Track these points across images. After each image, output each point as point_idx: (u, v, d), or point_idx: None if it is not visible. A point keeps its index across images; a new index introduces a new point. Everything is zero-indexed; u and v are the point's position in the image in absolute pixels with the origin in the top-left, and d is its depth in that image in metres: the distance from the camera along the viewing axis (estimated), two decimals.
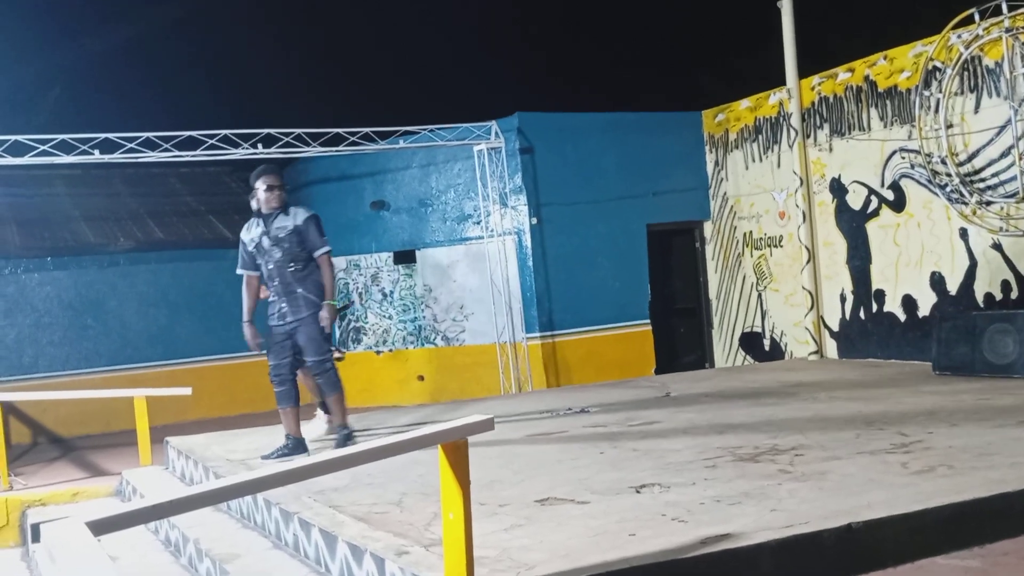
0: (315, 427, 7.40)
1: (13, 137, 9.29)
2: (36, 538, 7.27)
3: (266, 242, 6.56)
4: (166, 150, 9.82)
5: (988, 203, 8.57)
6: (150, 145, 9.76)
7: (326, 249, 6.58)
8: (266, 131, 10.15)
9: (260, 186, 6.56)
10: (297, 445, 6.58)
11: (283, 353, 6.60)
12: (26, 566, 7.31)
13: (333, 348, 6.96)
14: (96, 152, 9.54)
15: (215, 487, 3.23)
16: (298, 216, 6.57)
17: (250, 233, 6.67)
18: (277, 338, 6.62)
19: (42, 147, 9.38)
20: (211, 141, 9.98)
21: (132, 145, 9.66)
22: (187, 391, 8.68)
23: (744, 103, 11.33)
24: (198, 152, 10.02)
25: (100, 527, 2.76)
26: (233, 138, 10.09)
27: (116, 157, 9.68)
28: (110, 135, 9.57)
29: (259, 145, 10.16)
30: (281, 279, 6.55)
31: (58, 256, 12.08)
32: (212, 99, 19.26)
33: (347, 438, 6.71)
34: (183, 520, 5.49)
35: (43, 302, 11.87)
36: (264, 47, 20.54)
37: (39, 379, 11.56)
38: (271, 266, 6.58)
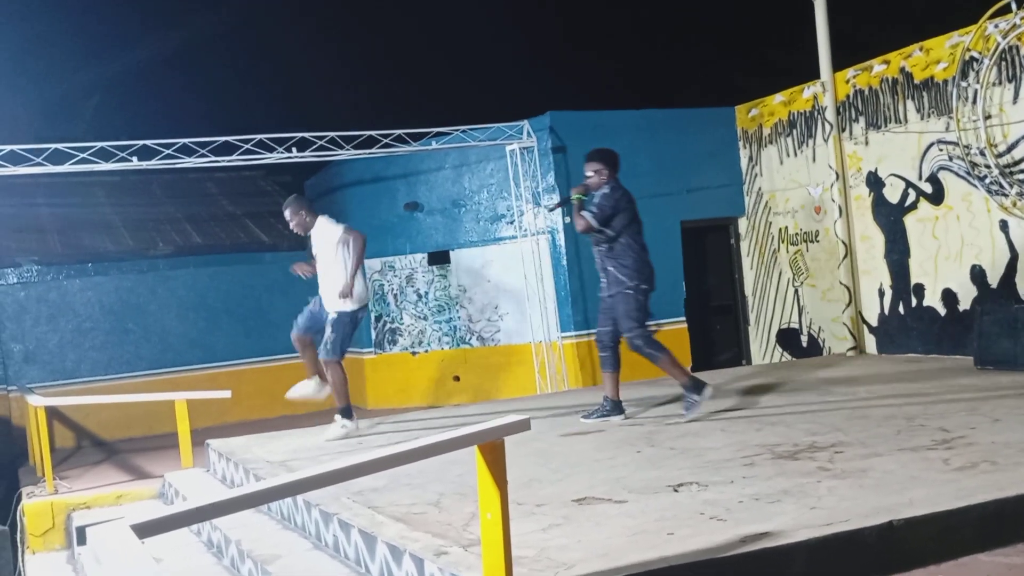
0: (331, 431, 7.47)
1: (53, 146, 9.44)
2: (82, 541, 7.39)
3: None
4: (203, 155, 9.93)
5: None
6: (187, 151, 9.87)
7: (585, 215, 6.81)
8: (300, 135, 10.24)
9: (585, 170, 7.06)
10: (614, 407, 7.00)
11: (604, 322, 7.00)
12: (72, 569, 7.44)
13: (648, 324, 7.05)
14: (135, 159, 9.67)
15: (256, 489, 3.27)
16: (599, 193, 6.91)
17: None
18: (602, 308, 7.05)
19: (82, 155, 9.53)
20: (246, 146, 10.09)
21: (169, 151, 9.78)
22: (227, 394, 8.79)
23: (778, 97, 11.24)
24: (234, 157, 10.12)
25: (144, 530, 2.80)
26: (268, 142, 10.18)
27: (154, 163, 9.81)
28: (148, 142, 9.69)
29: (294, 149, 10.25)
30: (598, 256, 7.00)
31: (99, 262, 12.27)
32: (248, 105, 19.45)
33: (692, 401, 6.77)
34: (225, 522, 5.56)
35: (84, 307, 12.06)
36: (301, 52, 20.71)
37: (82, 383, 11.75)
38: (593, 247, 7.04)
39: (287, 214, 7.66)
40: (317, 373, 7.72)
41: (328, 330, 7.46)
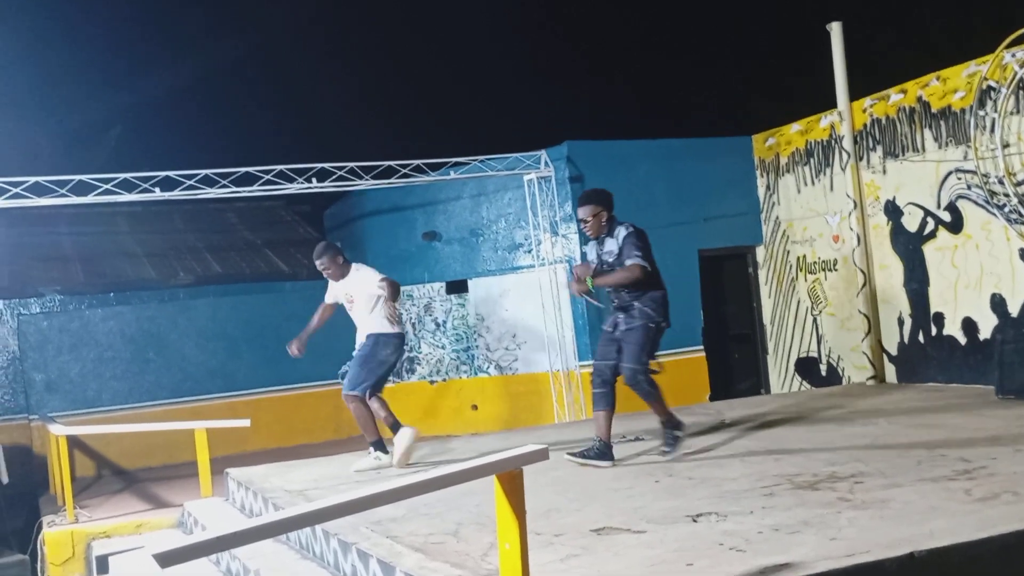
0: (363, 462, 7.46)
1: (77, 177, 9.57)
2: (102, 570, 7.42)
3: (601, 265, 6.72)
4: (224, 186, 10.04)
5: None
6: (208, 182, 9.98)
7: (634, 261, 6.46)
8: (320, 165, 10.34)
9: (581, 215, 6.72)
10: (604, 450, 6.55)
11: (607, 355, 6.67)
12: None
13: (655, 361, 6.77)
14: (157, 190, 9.78)
15: (275, 519, 3.29)
16: (619, 237, 6.59)
17: (591, 253, 6.86)
18: (603, 341, 6.75)
19: (105, 186, 9.65)
20: (267, 177, 10.19)
21: (191, 182, 9.89)
22: (246, 423, 8.82)
23: (795, 127, 11.27)
24: (254, 187, 10.23)
25: (165, 559, 2.83)
26: (288, 173, 10.28)
27: (176, 194, 9.92)
28: (170, 173, 9.81)
29: (313, 179, 10.34)
30: (619, 299, 6.67)
31: (120, 291, 12.37)
32: (268, 136, 19.66)
33: (673, 439, 6.60)
34: (244, 551, 5.57)
35: (106, 337, 12.14)
36: (320, 84, 20.93)
37: (103, 412, 11.80)
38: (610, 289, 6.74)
39: (321, 262, 7.56)
40: (394, 424, 7.50)
41: (353, 363, 7.45)
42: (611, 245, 6.64)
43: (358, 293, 7.50)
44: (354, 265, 7.66)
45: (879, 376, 10.23)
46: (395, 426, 7.43)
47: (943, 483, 4.99)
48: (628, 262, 6.47)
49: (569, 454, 6.56)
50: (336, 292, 7.70)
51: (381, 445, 7.45)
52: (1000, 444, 5.95)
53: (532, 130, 14.31)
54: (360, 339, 7.54)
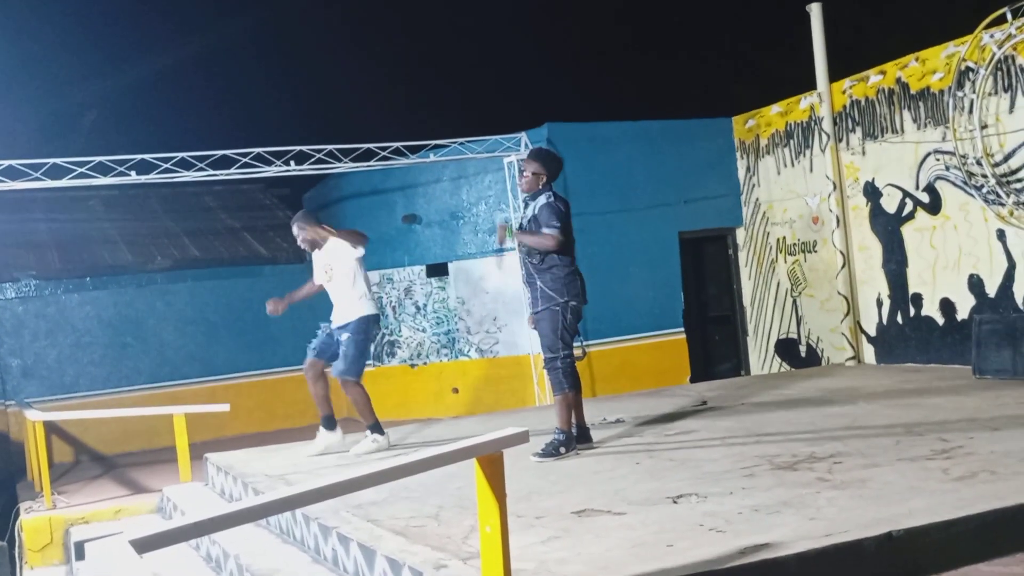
0: (362, 445, 7.40)
1: (51, 160, 9.44)
2: (80, 556, 7.38)
3: (523, 224, 6.50)
4: (201, 169, 9.94)
5: None
6: (185, 165, 9.88)
7: (551, 232, 6.21)
8: (299, 148, 10.25)
9: (524, 166, 6.53)
10: (563, 440, 6.27)
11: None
12: None
13: (577, 345, 6.49)
14: (133, 173, 9.67)
15: (255, 503, 3.27)
16: (538, 204, 6.33)
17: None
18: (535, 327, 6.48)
19: (80, 169, 9.53)
20: (244, 159, 10.10)
21: (168, 165, 9.79)
22: (225, 408, 8.78)
23: (775, 108, 11.27)
24: (232, 170, 10.13)
25: (143, 545, 2.80)
26: (266, 156, 10.19)
27: (152, 177, 9.81)
28: (146, 156, 9.69)
29: (292, 162, 10.25)
30: (525, 269, 6.50)
31: (97, 276, 12.27)
32: (245, 118, 19.51)
33: (559, 444, 6.21)
34: (223, 536, 5.54)
35: (83, 322, 12.05)
36: (299, 67, 20.78)
37: (80, 398, 11.72)
38: (521, 254, 6.47)
39: (295, 228, 7.50)
40: (329, 415, 7.47)
41: (343, 347, 7.30)
42: (531, 209, 6.45)
43: (337, 264, 7.40)
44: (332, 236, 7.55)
45: (858, 357, 10.29)
46: (375, 427, 7.37)
47: (921, 463, 5.02)
48: (545, 231, 6.24)
49: (534, 455, 6.19)
50: (318, 266, 7.61)
51: (379, 428, 7.40)
52: (977, 424, 6.00)
53: (512, 112, 14.27)
54: (339, 318, 7.43)
